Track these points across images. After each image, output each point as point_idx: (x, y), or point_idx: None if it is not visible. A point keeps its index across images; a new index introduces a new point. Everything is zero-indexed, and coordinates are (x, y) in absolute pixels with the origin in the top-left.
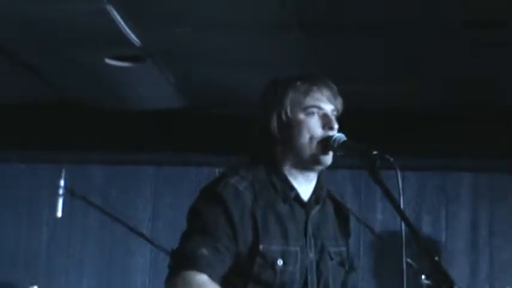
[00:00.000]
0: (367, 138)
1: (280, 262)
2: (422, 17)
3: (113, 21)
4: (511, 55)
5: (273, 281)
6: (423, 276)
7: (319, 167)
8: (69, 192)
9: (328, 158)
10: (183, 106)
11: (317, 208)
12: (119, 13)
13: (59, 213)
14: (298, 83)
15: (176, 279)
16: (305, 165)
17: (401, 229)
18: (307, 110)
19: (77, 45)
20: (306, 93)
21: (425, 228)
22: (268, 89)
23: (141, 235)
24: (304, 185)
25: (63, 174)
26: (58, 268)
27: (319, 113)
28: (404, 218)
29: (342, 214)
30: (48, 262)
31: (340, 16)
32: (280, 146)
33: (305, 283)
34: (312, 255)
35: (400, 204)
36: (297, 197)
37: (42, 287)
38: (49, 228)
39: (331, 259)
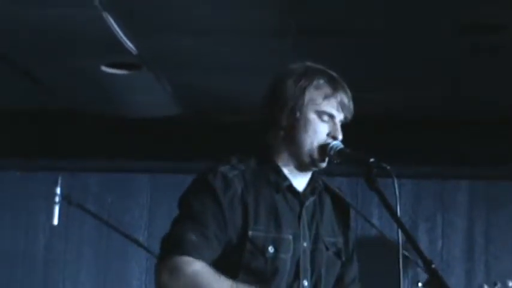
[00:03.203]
0: (364, 144)
1: (271, 249)
2: (422, 21)
3: (109, 29)
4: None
5: (264, 269)
6: (419, 284)
7: (313, 169)
8: (66, 199)
9: (323, 164)
10: (179, 113)
11: (312, 199)
12: (115, 20)
13: (55, 221)
14: (321, 82)
15: (164, 264)
16: (300, 162)
17: (397, 236)
18: (320, 114)
19: (73, 53)
20: (326, 97)
21: (422, 236)
22: (289, 77)
23: (137, 242)
24: (299, 178)
25: (59, 182)
26: (55, 275)
27: (330, 121)
28: (400, 225)
29: (341, 206)
30: (44, 269)
31: (340, 21)
32: (282, 134)
33: (297, 273)
34: (305, 244)
35: (396, 212)
36: (290, 187)
37: None
38: (45, 235)
39: (327, 249)
